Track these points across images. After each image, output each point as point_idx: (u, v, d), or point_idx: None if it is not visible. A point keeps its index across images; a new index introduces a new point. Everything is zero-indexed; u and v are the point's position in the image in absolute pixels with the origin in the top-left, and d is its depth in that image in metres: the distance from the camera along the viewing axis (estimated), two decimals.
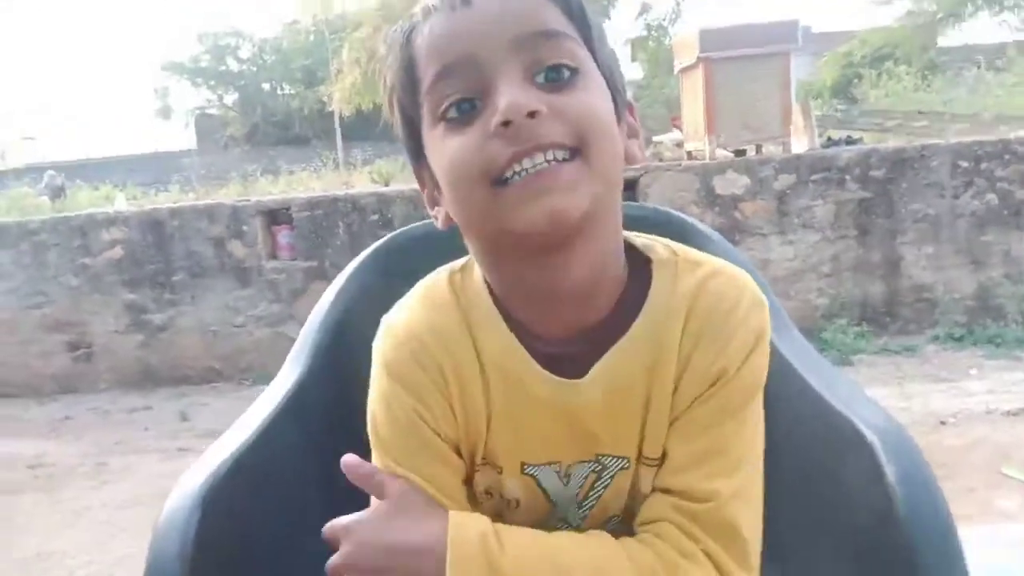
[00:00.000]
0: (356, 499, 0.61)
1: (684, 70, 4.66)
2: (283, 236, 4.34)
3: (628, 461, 0.67)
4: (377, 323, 0.73)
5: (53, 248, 4.39)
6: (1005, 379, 3.29)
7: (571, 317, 0.65)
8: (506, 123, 0.56)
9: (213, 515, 0.62)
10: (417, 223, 1.02)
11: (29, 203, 6.03)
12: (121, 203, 5.81)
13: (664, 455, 0.65)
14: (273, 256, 4.36)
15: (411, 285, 0.71)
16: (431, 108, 0.61)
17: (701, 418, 0.64)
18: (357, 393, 0.87)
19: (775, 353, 0.77)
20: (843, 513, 0.63)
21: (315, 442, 0.78)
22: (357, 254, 0.98)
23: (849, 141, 4.82)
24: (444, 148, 0.60)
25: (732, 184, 4.07)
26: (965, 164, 3.96)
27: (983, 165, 3.95)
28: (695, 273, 0.66)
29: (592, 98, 0.60)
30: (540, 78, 0.59)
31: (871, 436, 0.59)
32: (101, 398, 4.26)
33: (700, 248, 0.87)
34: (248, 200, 4.50)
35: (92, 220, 4.43)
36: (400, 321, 0.68)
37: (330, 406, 0.80)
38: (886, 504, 0.56)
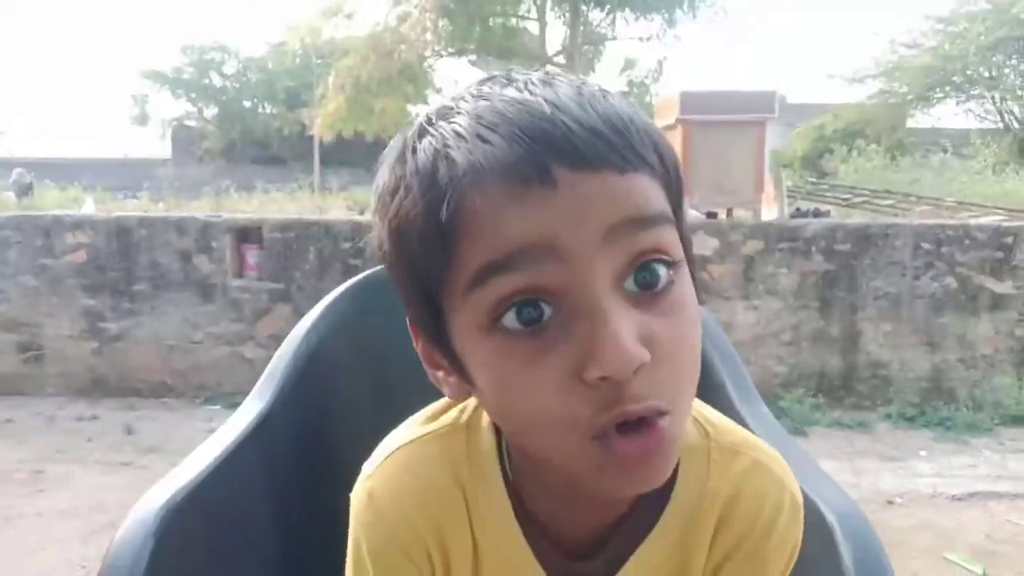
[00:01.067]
0: (309, 536, 0.61)
1: (664, 129, 4.76)
2: (252, 255, 4.29)
3: None
4: (349, 359, 0.73)
5: (15, 246, 4.29)
6: (952, 463, 3.34)
7: (590, 513, 0.56)
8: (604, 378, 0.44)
9: (167, 545, 0.61)
10: None
11: None
12: (89, 207, 5.73)
13: None
14: (239, 275, 4.31)
15: (388, 323, 0.64)
16: (477, 306, 0.46)
17: None
18: (323, 428, 0.86)
19: (744, 426, 0.78)
20: None
21: (276, 475, 0.77)
22: (325, 279, 0.98)
23: (817, 213, 4.96)
24: (503, 373, 0.47)
25: (703, 245, 4.14)
26: (927, 246, 4.08)
27: (944, 248, 4.08)
28: (731, 467, 0.57)
29: (689, 321, 0.48)
30: (630, 283, 0.45)
31: (831, 517, 0.61)
32: (47, 403, 4.13)
33: None
34: (219, 216, 4.46)
35: (58, 222, 4.35)
36: (384, 493, 0.57)
37: (294, 439, 0.80)
38: None
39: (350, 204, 5.82)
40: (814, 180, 9.00)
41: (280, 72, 17.92)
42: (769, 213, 4.63)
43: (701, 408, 0.60)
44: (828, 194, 6.93)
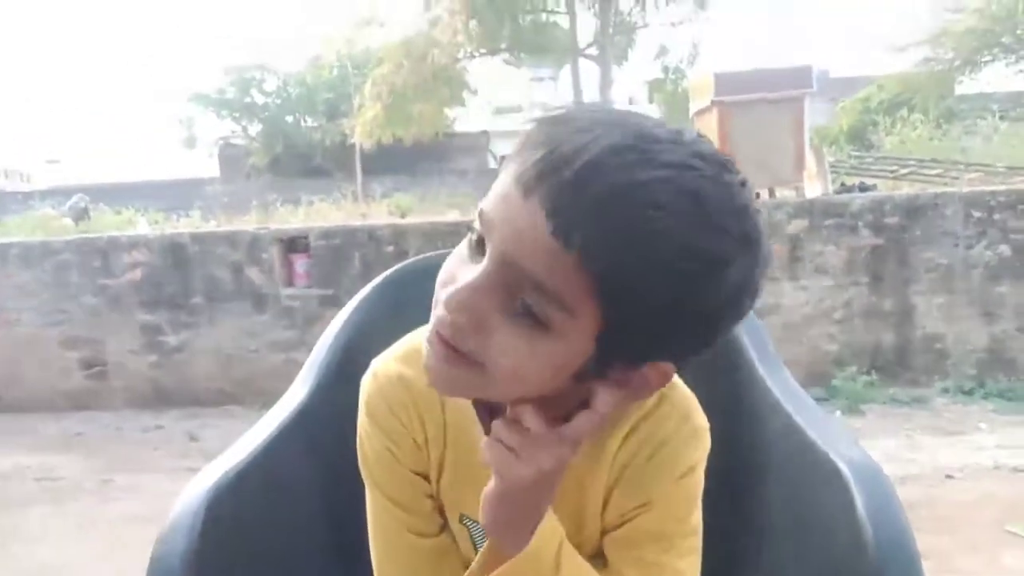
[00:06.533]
0: (355, 514, 0.65)
1: (699, 113, 4.72)
2: (300, 264, 4.40)
3: None
4: (383, 348, 0.77)
5: (75, 268, 4.47)
6: (1015, 434, 3.26)
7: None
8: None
9: (217, 520, 0.65)
10: (427, 254, 1.07)
11: (53, 224, 6.15)
12: (143, 227, 5.92)
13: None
14: (290, 283, 4.42)
15: (418, 314, 0.71)
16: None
17: (632, 536, 0.69)
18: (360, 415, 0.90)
19: (766, 391, 0.80)
20: (821, 541, 0.66)
21: (319, 458, 0.81)
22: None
23: (863, 188, 4.85)
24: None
25: None
26: (978, 214, 3.98)
27: (996, 215, 3.97)
28: (646, 400, 0.67)
29: (522, 359, 0.56)
30: (518, 303, 0.54)
31: (845, 470, 0.62)
32: (113, 416, 4.30)
33: None
34: (267, 228, 4.57)
35: (115, 242, 4.52)
36: (383, 371, 0.74)
37: (334, 425, 0.84)
38: (857, 534, 0.59)
39: (391, 209, 5.90)
40: (858, 154, 8.79)
41: (318, 85, 18.18)
42: (813, 190, 4.54)
43: None
44: (873, 167, 6.77)
